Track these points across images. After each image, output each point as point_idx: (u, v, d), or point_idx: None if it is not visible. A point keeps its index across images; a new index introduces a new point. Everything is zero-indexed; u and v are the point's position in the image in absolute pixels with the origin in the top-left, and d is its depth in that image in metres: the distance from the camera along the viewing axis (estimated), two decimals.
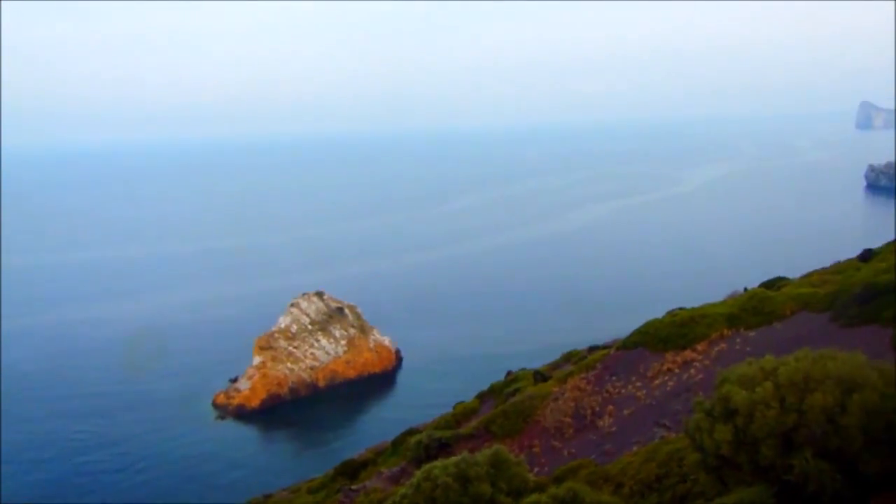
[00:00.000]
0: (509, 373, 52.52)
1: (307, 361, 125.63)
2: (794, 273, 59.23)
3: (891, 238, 59.75)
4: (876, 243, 60.40)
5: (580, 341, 66.10)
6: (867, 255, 49.94)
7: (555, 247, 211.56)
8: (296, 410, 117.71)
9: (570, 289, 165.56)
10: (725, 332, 34.70)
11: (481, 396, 47.24)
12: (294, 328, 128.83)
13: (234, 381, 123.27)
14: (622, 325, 54.70)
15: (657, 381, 31.06)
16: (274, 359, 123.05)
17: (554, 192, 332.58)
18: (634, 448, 22.62)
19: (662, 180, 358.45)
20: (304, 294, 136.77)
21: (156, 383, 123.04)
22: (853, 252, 58.56)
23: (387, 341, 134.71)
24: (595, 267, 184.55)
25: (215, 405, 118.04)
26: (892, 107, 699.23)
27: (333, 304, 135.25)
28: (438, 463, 14.81)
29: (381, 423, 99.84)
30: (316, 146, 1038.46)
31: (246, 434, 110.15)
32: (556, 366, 49.41)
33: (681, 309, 44.78)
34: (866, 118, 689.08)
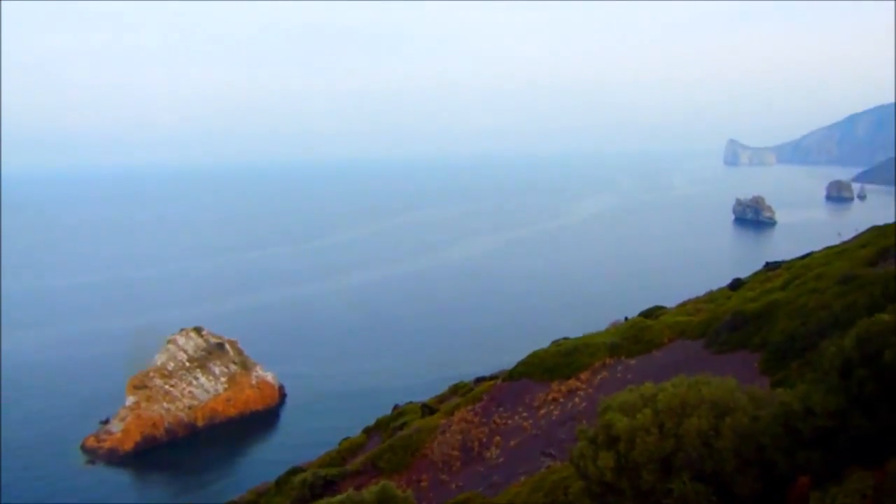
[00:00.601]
0: (396, 406, 52.17)
1: (185, 400, 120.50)
2: (671, 302, 62.09)
3: (757, 268, 63.81)
4: (744, 273, 64.26)
5: (467, 373, 66.62)
6: (736, 285, 53.01)
7: (440, 279, 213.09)
8: (173, 452, 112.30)
9: (457, 321, 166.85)
10: (608, 360, 35.80)
11: (368, 431, 46.66)
12: (171, 366, 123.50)
13: (106, 422, 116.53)
14: (508, 357, 55.54)
15: (543, 411, 31.60)
16: (149, 398, 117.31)
17: (439, 225, 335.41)
18: (521, 478, 22.85)
19: (546, 213, 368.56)
20: (181, 330, 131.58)
21: (16, 429, 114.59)
22: (724, 281, 62.10)
23: (270, 377, 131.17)
24: (480, 299, 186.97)
25: (84, 449, 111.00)
26: (757, 145, 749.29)
27: (213, 340, 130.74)
28: (323, 502, 14.46)
29: (265, 462, 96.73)
30: (185, 176, 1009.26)
31: (118, 479, 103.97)
32: (443, 398, 49.50)
33: (565, 339, 45.98)
34: (733, 155, 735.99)
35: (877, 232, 51.05)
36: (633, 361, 34.43)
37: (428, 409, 43.31)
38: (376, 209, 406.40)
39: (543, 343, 46.90)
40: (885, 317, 12.27)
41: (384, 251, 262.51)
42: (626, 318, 53.99)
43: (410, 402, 52.21)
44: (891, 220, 59.79)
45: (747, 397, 11.56)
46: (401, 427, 40.06)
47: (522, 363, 39.22)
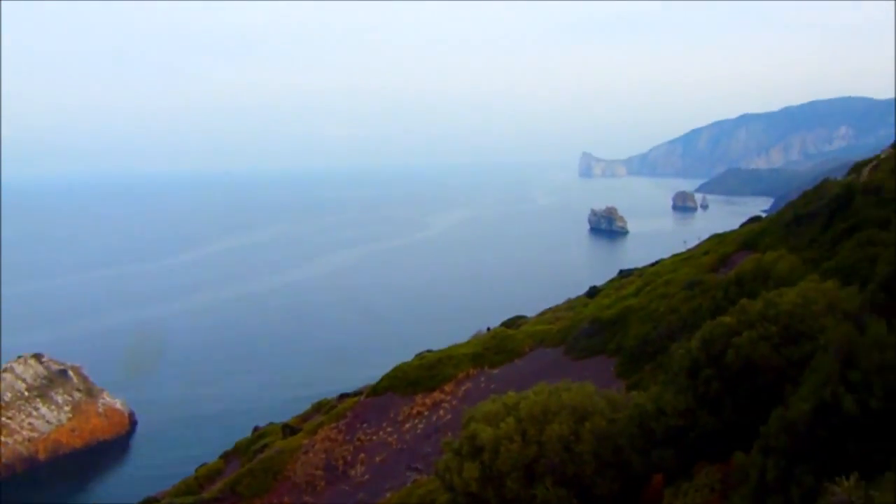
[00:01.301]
0: (256, 428, 50.83)
1: (24, 433, 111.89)
2: (531, 311, 63.97)
3: (612, 276, 67.02)
4: (600, 281, 67.28)
5: (331, 390, 65.68)
6: (593, 292, 55.36)
7: (298, 295, 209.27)
8: (12, 490, 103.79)
9: (318, 337, 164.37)
10: (471, 371, 36.37)
11: (226, 456, 45.12)
12: (7, 396, 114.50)
13: None
14: (372, 371, 55.28)
15: (408, 425, 31.64)
16: None
17: (295, 240, 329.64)
18: (388, 494, 22.76)
19: (407, 225, 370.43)
20: (19, 357, 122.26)
21: None
22: (581, 289, 64.75)
23: (118, 404, 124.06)
24: (342, 314, 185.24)
25: None
26: (609, 158, 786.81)
27: (55, 367, 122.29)
28: None
29: (115, 495, 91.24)
30: (43, 189, 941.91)
31: None
32: (306, 417, 48.61)
33: (429, 351, 46.36)
34: (587, 167, 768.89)
35: (717, 240, 54.86)
36: (496, 371, 35.14)
37: (290, 429, 42.40)
38: (231, 224, 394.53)
39: (407, 356, 47.04)
40: (727, 319, 13.15)
41: (239, 268, 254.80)
42: (488, 329, 55.13)
43: (271, 424, 51.01)
44: (729, 229, 64.64)
45: (605, 401, 12.05)
46: (261, 449, 39.00)
47: (386, 377, 39.18)
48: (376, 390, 38.02)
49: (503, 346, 39.04)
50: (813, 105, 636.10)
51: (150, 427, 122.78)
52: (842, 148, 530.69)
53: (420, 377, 37.32)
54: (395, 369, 40.11)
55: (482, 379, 34.15)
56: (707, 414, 11.33)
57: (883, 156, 35.10)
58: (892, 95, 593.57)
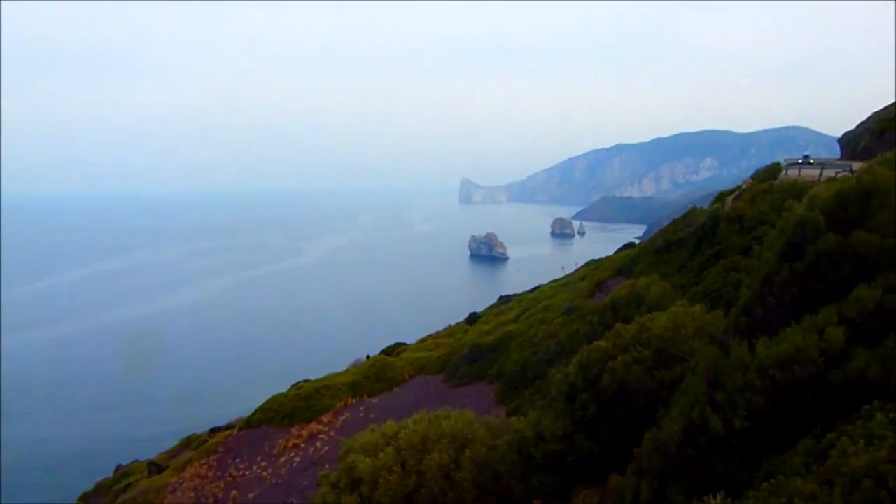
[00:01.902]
0: (119, 467, 48.33)
1: None
2: (411, 338, 64.01)
3: (492, 302, 68.16)
4: (480, 307, 68.22)
5: (200, 425, 63.27)
6: (473, 319, 56.07)
7: (163, 325, 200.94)
8: None
9: (186, 369, 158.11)
10: (350, 400, 35.99)
11: (86, 498, 42.62)
12: None
13: None
14: (246, 404, 53.65)
15: (283, 459, 30.89)
16: None
17: (162, 266, 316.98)
18: None
19: (283, 251, 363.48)
20: None
21: None
22: (462, 316, 65.44)
23: None
24: (211, 344, 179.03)
25: None
26: (489, 185, 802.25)
27: None
28: None
29: None
30: None
31: None
32: (173, 453, 46.59)
33: (306, 381, 45.54)
34: (467, 194, 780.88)
35: (594, 266, 56.97)
36: (375, 400, 34.92)
37: (156, 466, 40.50)
38: (95, 250, 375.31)
39: (283, 387, 46.00)
40: (602, 344, 13.61)
41: (100, 296, 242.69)
42: (367, 357, 54.77)
43: (136, 461, 48.64)
44: (604, 255, 67.23)
45: (485, 428, 12.17)
46: (125, 489, 37.06)
47: (260, 409, 38.20)
48: (250, 423, 36.99)
49: (382, 375, 38.88)
50: (681, 137, 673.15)
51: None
52: (707, 178, 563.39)
53: (296, 408, 36.59)
54: (270, 400, 39.19)
55: (361, 408, 33.85)
56: (584, 438, 11.65)
57: (744, 186, 37.48)
58: (753, 130, 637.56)
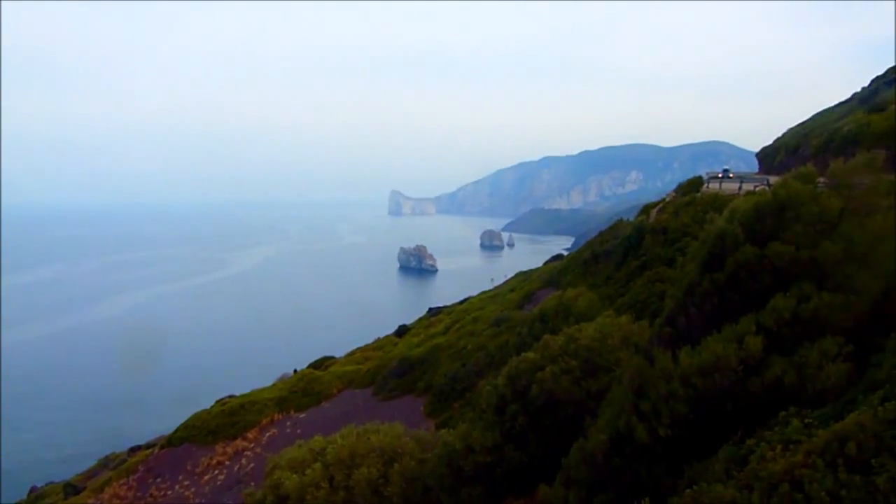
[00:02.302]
0: (34, 489, 46.56)
1: None
2: (340, 352, 63.42)
3: (421, 314, 68.14)
4: (409, 319, 68.09)
5: (120, 443, 61.34)
6: (402, 331, 55.95)
7: (84, 340, 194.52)
8: None
9: (105, 385, 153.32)
10: (276, 416, 35.43)
11: None
12: None
13: None
14: (168, 422, 52.23)
15: (207, 477, 30.19)
16: None
17: (85, 278, 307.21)
18: None
19: (208, 264, 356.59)
20: None
21: None
22: (391, 328, 65.21)
23: None
24: (131, 360, 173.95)
25: None
26: (419, 196, 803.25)
27: None
28: None
29: None
30: None
31: None
32: (91, 474, 45.05)
33: (231, 397, 44.67)
34: (397, 206, 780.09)
35: (523, 277, 57.64)
36: (302, 415, 34.47)
37: (72, 488, 39.10)
38: (12, 262, 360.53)
39: (206, 403, 44.98)
40: (531, 355, 13.77)
41: (12, 313, 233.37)
42: (295, 371, 54.04)
43: (51, 483, 46.92)
44: (533, 266, 68.07)
45: (414, 441, 12.16)
46: None
47: (183, 427, 37.26)
48: (172, 441, 36.02)
49: (310, 389, 38.44)
50: (608, 150, 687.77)
51: None
52: (633, 191, 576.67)
53: (221, 425, 35.83)
54: (193, 417, 38.27)
55: (288, 424, 33.37)
56: (514, 449, 11.75)
57: (668, 199, 38.49)
58: (676, 144, 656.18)
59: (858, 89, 56.63)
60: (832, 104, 60.79)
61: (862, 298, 9.19)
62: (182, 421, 38.97)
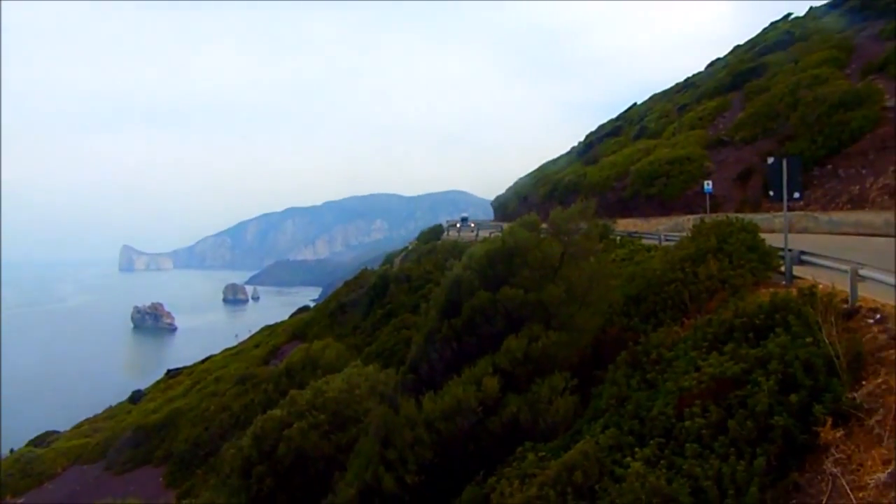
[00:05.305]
0: None
1: None
2: (65, 425, 57.83)
3: (158, 376, 64.19)
4: (145, 384, 63.84)
5: None
6: (137, 397, 52.37)
7: None
8: None
9: None
10: None
11: None
12: None
13: None
14: None
15: None
16: None
17: None
18: None
19: None
20: None
21: None
22: (124, 395, 60.66)
23: None
24: None
25: None
26: (153, 251, 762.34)
27: None
28: None
29: None
30: None
31: None
32: None
33: None
34: (129, 262, 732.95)
35: (268, 331, 56.43)
36: (21, 501, 30.89)
37: None
38: None
39: None
40: (278, 412, 13.49)
41: None
42: (11, 451, 48.49)
43: None
44: (280, 319, 66.93)
45: None
46: None
47: None
48: None
49: (29, 470, 34.59)
50: (352, 200, 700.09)
51: None
52: (379, 239, 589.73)
53: None
54: None
55: None
56: None
57: (410, 247, 39.93)
58: (418, 193, 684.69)
59: (576, 143, 62.55)
60: (555, 156, 66.58)
61: (583, 335, 10.12)
62: None
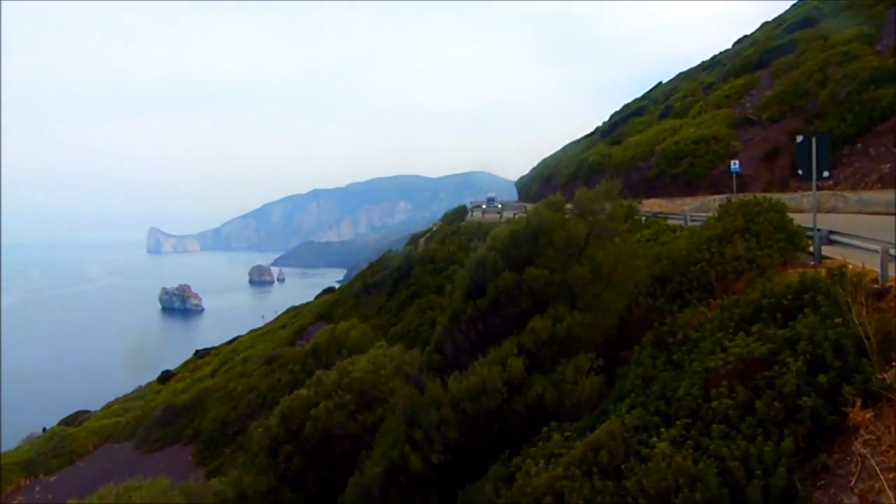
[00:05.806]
0: None
1: None
2: (95, 405, 58.78)
3: (187, 357, 64.95)
4: (174, 364, 64.62)
5: None
6: (166, 377, 53.04)
7: None
8: None
9: None
10: (23, 481, 32.08)
11: None
12: None
13: None
14: None
15: None
16: None
17: None
18: None
19: None
20: None
21: None
22: (153, 375, 61.51)
23: None
24: None
25: None
26: (181, 233, 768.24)
27: None
28: None
29: None
30: None
31: None
32: None
33: None
34: (156, 244, 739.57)
35: (294, 312, 56.86)
36: (53, 478, 31.51)
37: None
38: None
39: None
40: (304, 392, 13.60)
41: None
42: (44, 430, 49.38)
43: None
44: (305, 301, 67.35)
45: (182, 495, 11.54)
46: None
47: None
48: None
49: (62, 448, 35.25)
50: (376, 182, 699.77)
51: None
52: (403, 221, 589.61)
53: None
54: None
55: (37, 489, 30.32)
56: (290, 491, 11.51)
57: (434, 228, 39.91)
58: (441, 175, 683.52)
59: (600, 123, 62.04)
60: (579, 136, 66.10)
61: (608, 315, 10.09)
62: None
